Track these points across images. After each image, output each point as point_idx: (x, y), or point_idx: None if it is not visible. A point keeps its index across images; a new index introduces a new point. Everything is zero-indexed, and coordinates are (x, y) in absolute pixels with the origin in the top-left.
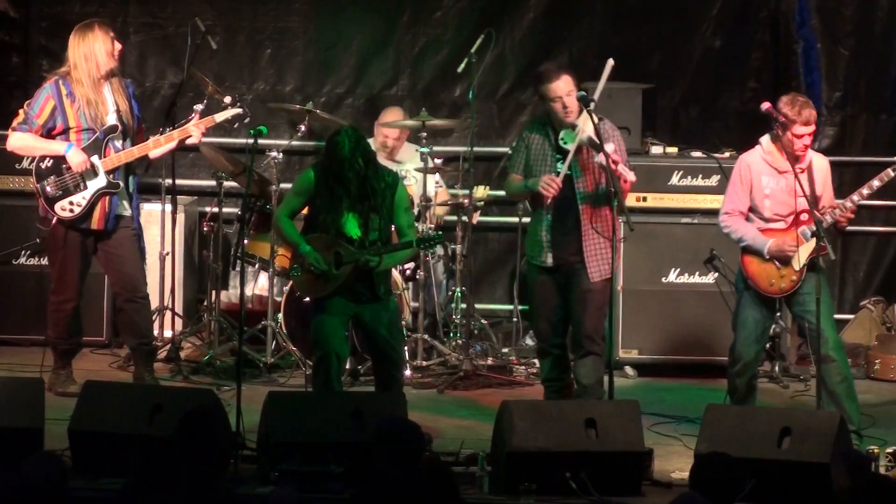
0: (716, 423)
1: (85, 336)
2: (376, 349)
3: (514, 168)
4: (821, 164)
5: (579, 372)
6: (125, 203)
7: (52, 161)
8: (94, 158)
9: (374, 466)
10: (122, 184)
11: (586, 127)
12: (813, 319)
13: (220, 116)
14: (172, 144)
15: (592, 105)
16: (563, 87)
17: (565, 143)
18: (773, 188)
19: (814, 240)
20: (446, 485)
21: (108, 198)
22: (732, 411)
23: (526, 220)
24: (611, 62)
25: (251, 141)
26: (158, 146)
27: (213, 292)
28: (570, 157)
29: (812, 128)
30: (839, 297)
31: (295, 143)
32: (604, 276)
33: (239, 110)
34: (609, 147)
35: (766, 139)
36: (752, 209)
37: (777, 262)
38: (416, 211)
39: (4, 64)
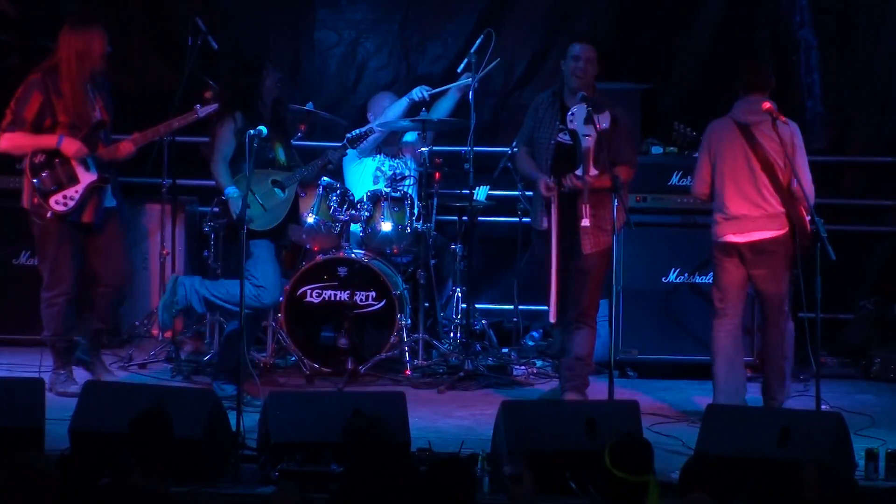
0: (716, 423)
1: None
2: None
3: (522, 140)
4: None
5: (574, 342)
6: (111, 196)
7: (45, 156)
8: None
9: (351, 466)
10: (111, 177)
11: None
12: None
13: (203, 111)
14: (131, 148)
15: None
16: (585, 53)
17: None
18: None
19: None
20: (463, 483)
21: (99, 191)
22: (732, 411)
23: (526, 220)
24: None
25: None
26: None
27: None
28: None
29: None
30: (839, 296)
31: (295, 143)
32: (597, 248)
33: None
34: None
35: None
36: None
37: None
38: (415, 211)
39: (4, 64)
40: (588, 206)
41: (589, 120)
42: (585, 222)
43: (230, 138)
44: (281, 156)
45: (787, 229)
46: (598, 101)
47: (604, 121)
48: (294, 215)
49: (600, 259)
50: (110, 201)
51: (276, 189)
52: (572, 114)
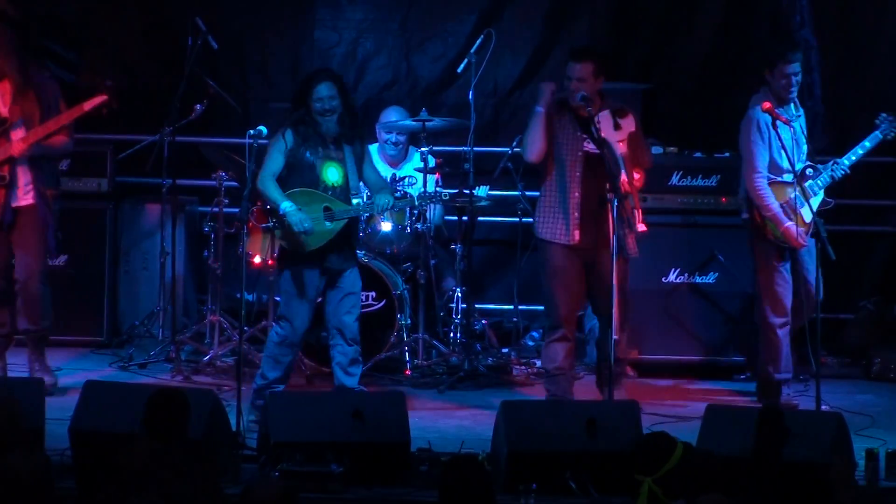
0: (716, 423)
1: (85, 336)
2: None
3: None
4: None
5: (610, 347)
6: (21, 194)
7: None
8: None
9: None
10: (7, 176)
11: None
12: (811, 278)
13: (88, 105)
14: (21, 146)
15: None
16: (575, 73)
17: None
18: (786, 139)
19: (820, 193)
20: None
21: (2, 190)
22: (732, 411)
23: (526, 220)
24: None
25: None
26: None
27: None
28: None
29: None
30: (839, 296)
31: None
32: (633, 254)
33: (104, 97)
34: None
35: (761, 97)
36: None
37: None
38: (415, 212)
39: None
40: (640, 210)
41: (617, 126)
42: (642, 227)
43: (278, 157)
44: (331, 177)
45: None
46: (620, 105)
47: (630, 124)
48: (341, 245)
49: (625, 266)
50: (23, 200)
51: (325, 218)
52: (598, 121)
